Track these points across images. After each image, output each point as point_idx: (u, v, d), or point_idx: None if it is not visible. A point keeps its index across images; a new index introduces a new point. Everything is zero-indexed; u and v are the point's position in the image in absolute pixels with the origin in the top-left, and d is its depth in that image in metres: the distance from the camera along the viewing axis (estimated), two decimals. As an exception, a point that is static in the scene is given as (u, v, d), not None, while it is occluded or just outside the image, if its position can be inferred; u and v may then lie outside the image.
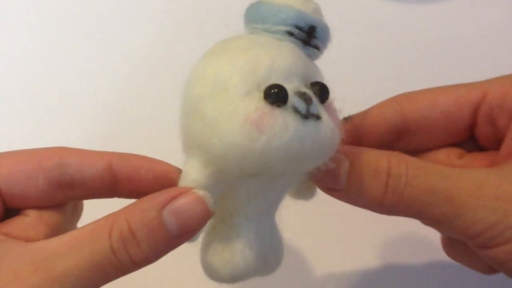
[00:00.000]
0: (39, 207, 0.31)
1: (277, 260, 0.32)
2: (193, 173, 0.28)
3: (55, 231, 0.30)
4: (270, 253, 0.31)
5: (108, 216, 0.28)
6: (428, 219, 0.30)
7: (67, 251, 0.27)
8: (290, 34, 0.28)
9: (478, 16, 0.59)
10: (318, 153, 0.27)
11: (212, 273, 0.30)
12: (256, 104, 0.26)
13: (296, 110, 0.26)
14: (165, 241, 0.27)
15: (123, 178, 0.30)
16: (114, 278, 0.27)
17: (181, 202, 0.27)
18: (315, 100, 0.27)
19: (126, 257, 0.27)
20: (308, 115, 0.26)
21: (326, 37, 0.28)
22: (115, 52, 0.58)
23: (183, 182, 0.28)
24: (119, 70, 0.57)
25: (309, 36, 0.28)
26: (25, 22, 0.61)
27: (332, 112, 0.28)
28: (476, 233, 0.29)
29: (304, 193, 0.33)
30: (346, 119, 0.33)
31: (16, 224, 0.30)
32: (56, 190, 0.31)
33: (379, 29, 0.59)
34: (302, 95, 0.26)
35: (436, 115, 0.33)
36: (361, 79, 0.55)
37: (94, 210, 0.30)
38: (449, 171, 0.30)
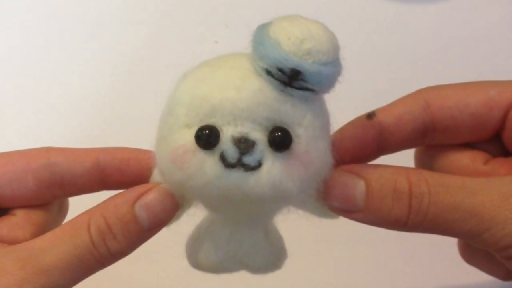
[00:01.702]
0: (27, 207, 0.31)
1: (261, 266, 0.33)
2: (156, 175, 0.30)
3: (42, 230, 0.31)
4: (247, 258, 0.32)
5: (84, 212, 0.29)
6: (454, 235, 0.30)
7: (51, 246, 0.28)
8: (268, 72, 0.26)
9: (478, 16, 0.59)
10: (256, 202, 0.26)
11: (187, 257, 0.33)
12: (186, 140, 0.26)
13: (222, 158, 0.25)
14: (138, 233, 0.29)
15: (113, 172, 0.31)
16: (96, 270, 0.29)
17: (151, 196, 0.29)
18: (260, 148, 0.26)
19: (105, 249, 0.28)
20: (235, 165, 0.25)
21: (321, 81, 0.26)
22: (113, 51, 0.58)
23: (151, 180, 0.30)
24: (117, 70, 0.57)
25: (292, 78, 0.26)
26: (15, 22, 0.61)
27: (296, 160, 0.26)
28: (505, 246, 0.28)
29: (327, 212, 0.31)
30: (370, 116, 0.32)
31: (4, 224, 0.31)
32: (46, 189, 0.31)
33: (379, 29, 0.59)
34: (238, 142, 0.25)
35: (465, 117, 0.32)
36: (361, 79, 0.55)
37: (82, 208, 0.31)
38: (472, 184, 0.29)
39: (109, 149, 0.32)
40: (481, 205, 0.28)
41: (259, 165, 0.26)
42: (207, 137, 0.26)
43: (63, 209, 0.34)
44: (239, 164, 0.26)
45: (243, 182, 0.26)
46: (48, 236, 0.29)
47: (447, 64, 0.56)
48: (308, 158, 0.27)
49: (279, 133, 0.26)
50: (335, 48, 0.27)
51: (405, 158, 0.34)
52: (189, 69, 0.28)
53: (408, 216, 0.28)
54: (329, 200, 0.29)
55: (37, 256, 0.28)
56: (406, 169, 0.29)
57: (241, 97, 0.26)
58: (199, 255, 0.32)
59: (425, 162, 0.34)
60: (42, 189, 0.31)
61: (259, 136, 0.26)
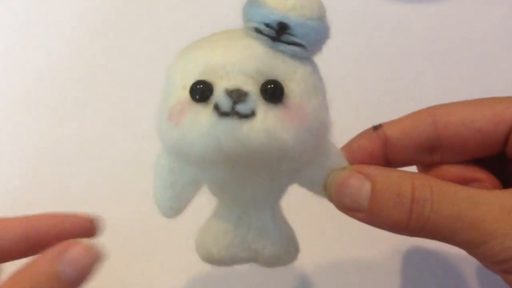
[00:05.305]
0: None
1: (272, 253, 0.32)
2: (159, 156, 0.31)
3: None
4: (256, 244, 0.32)
5: (12, 276, 0.29)
6: (453, 244, 0.30)
7: None
8: (257, 30, 0.27)
9: (478, 16, 0.59)
10: (252, 153, 0.27)
11: (196, 250, 0.33)
12: (182, 98, 0.27)
13: (216, 107, 0.26)
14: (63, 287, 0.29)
15: (42, 240, 0.31)
16: None
17: (71, 253, 0.29)
18: (253, 98, 0.26)
19: None
20: (230, 113, 0.26)
21: (308, 34, 0.27)
22: (112, 51, 0.58)
23: (154, 167, 0.31)
24: (116, 70, 0.57)
25: (279, 32, 0.27)
26: (12, 21, 0.61)
27: (290, 112, 0.27)
28: (502, 259, 0.28)
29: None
30: (376, 128, 0.32)
31: None
32: None
33: (380, 29, 0.59)
34: (231, 93, 0.26)
35: (472, 133, 0.32)
36: (361, 79, 0.55)
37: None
38: (475, 196, 0.29)
39: (37, 217, 0.33)
40: (481, 218, 0.28)
41: (252, 114, 0.26)
42: (200, 90, 0.27)
43: None
44: (233, 113, 0.26)
45: (237, 129, 0.26)
46: None
47: (447, 64, 0.56)
48: (301, 111, 0.27)
49: (271, 85, 0.27)
50: (320, 7, 0.28)
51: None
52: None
53: (408, 221, 0.29)
54: (336, 197, 0.30)
55: None
56: (413, 174, 0.30)
57: (231, 51, 0.27)
58: (207, 240, 0.32)
59: None
60: None
61: (251, 88, 0.27)
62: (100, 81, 0.56)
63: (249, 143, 0.26)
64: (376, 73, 0.56)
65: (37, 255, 0.30)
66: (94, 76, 0.57)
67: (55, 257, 0.29)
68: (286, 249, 0.33)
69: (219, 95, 0.26)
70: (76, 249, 0.29)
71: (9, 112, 0.55)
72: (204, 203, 0.32)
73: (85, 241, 0.30)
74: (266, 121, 0.26)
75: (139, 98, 0.54)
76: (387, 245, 0.45)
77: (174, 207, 0.31)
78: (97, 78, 0.57)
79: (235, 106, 0.26)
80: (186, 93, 0.27)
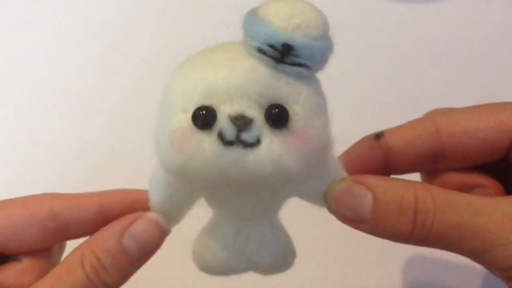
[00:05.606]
0: (31, 252, 0.32)
1: (271, 263, 0.32)
2: (156, 168, 0.30)
3: (45, 272, 0.31)
4: (255, 255, 0.32)
5: (76, 249, 0.30)
6: (457, 252, 0.30)
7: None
8: (260, 50, 0.26)
9: (478, 16, 0.59)
10: (257, 180, 0.26)
11: (193, 260, 0.32)
12: (184, 123, 0.26)
13: (220, 136, 0.26)
14: (128, 264, 0.29)
15: (117, 215, 0.31)
16: None
17: (137, 226, 0.29)
18: (258, 125, 0.26)
19: (101, 283, 0.29)
20: (234, 142, 0.25)
21: (313, 55, 0.26)
22: (111, 52, 0.58)
23: (151, 180, 0.30)
24: (115, 71, 0.57)
25: (284, 54, 0.26)
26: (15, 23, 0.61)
27: (295, 136, 0.26)
28: (507, 267, 0.28)
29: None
30: (378, 136, 0.32)
31: (10, 271, 0.31)
32: (50, 237, 0.32)
33: (379, 29, 0.59)
34: (235, 120, 0.26)
35: (476, 141, 0.32)
36: (361, 79, 0.55)
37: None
38: (478, 203, 0.29)
39: (111, 193, 0.32)
40: (485, 226, 0.28)
41: (257, 141, 0.26)
42: (204, 117, 0.26)
43: (62, 248, 0.35)
44: (238, 141, 0.26)
45: (243, 158, 0.26)
46: (48, 279, 0.30)
47: (447, 64, 0.56)
48: (306, 135, 0.27)
49: (276, 110, 0.26)
50: (325, 23, 0.27)
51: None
52: (183, 60, 0.28)
53: (412, 232, 0.29)
54: (337, 208, 0.29)
55: None
56: (414, 183, 0.30)
57: (234, 74, 0.26)
58: (206, 254, 0.32)
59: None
60: (46, 237, 0.31)
61: (256, 113, 0.26)
62: (101, 80, 0.57)
63: (255, 171, 0.26)
64: (376, 73, 0.56)
65: (102, 229, 0.30)
66: (95, 76, 0.57)
67: (120, 231, 0.29)
68: (284, 257, 0.33)
69: (223, 123, 0.26)
70: (140, 223, 0.29)
71: (9, 112, 0.55)
72: (200, 211, 0.32)
73: (152, 215, 0.30)
74: (272, 149, 0.26)
75: (141, 98, 0.54)
76: (387, 250, 0.45)
77: (171, 218, 0.31)
78: (97, 77, 0.57)
79: (240, 134, 0.26)
80: (187, 117, 0.26)
